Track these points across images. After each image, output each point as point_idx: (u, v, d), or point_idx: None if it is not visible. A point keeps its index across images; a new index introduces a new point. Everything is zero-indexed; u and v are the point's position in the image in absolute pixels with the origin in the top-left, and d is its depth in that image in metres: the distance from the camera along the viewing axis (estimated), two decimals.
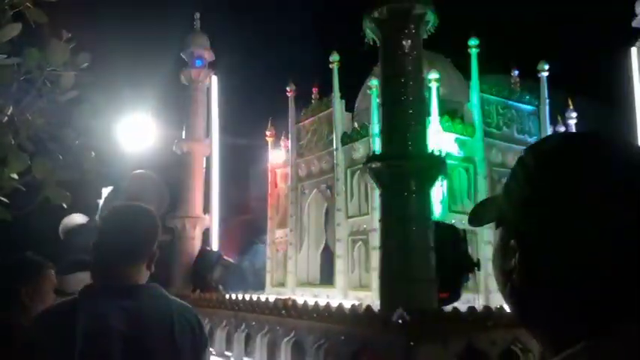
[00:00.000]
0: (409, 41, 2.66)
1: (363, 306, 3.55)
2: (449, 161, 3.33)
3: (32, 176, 2.59)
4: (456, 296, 3.06)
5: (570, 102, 4.85)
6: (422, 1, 2.83)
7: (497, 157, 3.56)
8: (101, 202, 7.57)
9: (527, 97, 4.08)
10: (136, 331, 1.46)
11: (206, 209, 5.71)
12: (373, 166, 2.83)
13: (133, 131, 4.34)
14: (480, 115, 3.57)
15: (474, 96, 3.66)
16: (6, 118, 2.50)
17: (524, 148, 0.76)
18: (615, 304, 0.64)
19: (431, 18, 2.75)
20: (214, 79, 4.98)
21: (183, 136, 5.83)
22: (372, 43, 2.98)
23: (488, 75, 7.82)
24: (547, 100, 3.93)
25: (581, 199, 0.65)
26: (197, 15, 5.33)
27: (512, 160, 3.61)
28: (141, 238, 1.62)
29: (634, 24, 4.63)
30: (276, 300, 4.22)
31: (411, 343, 2.89)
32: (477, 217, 0.77)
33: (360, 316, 3.12)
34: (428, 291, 3.15)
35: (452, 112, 3.55)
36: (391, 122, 2.64)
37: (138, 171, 6.57)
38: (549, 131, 3.82)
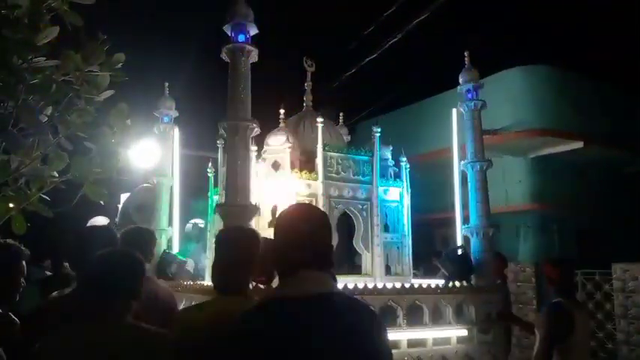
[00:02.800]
0: (240, 141, 4.59)
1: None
2: (299, 197, 5.23)
3: (71, 174, 2.71)
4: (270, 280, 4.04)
5: (403, 151, 6.28)
6: (249, 120, 4.59)
7: (334, 192, 5.38)
8: (120, 206, 7.98)
9: (363, 151, 5.79)
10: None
11: (170, 223, 7.11)
12: (217, 209, 4.83)
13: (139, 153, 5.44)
14: (322, 166, 5.29)
15: (319, 155, 5.30)
16: (46, 118, 2.61)
17: None
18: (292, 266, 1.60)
19: (255, 126, 4.65)
20: (177, 130, 6.32)
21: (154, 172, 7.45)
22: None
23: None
24: (378, 153, 5.64)
25: None
26: (166, 84, 6.62)
27: (346, 193, 5.58)
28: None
29: (458, 90, 5.91)
30: (186, 284, 5.83)
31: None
32: None
33: (204, 289, 4.63)
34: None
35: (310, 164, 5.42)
36: (228, 184, 4.62)
37: (144, 184, 7.09)
38: (378, 173, 5.65)
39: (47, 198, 2.61)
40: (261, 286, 2.94)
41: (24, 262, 2.54)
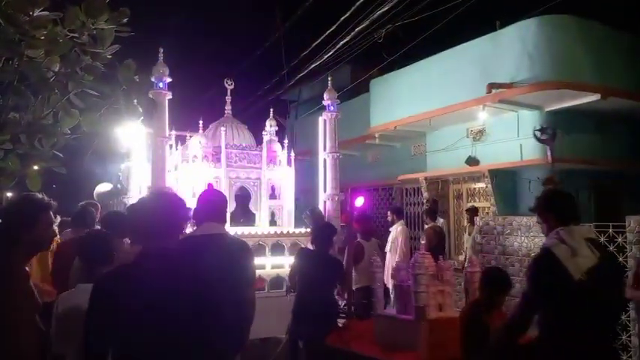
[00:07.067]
0: (158, 149, 6.75)
1: None
2: (209, 179, 7.22)
3: (82, 131, 2.70)
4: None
5: (288, 146, 8.36)
6: (164, 136, 6.76)
7: (234, 175, 7.48)
8: (120, 174, 8.93)
9: (255, 147, 7.88)
10: None
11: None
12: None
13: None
14: (224, 158, 7.40)
15: (222, 151, 7.33)
16: (52, 74, 2.59)
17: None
18: None
19: (169, 139, 6.98)
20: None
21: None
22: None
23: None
24: (264, 149, 7.78)
25: None
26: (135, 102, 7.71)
27: (242, 175, 7.68)
28: None
29: (323, 103, 8.29)
30: None
31: None
32: None
33: None
34: None
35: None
36: (152, 174, 6.82)
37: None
38: (265, 163, 7.83)
39: (60, 155, 2.62)
40: None
41: (51, 213, 2.57)
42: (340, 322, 5.17)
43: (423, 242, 6.29)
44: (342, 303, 6.07)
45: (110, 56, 2.68)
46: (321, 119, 8.50)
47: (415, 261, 4.06)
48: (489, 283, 3.63)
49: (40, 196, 2.57)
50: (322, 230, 5.09)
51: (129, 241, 3.72)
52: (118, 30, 2.60)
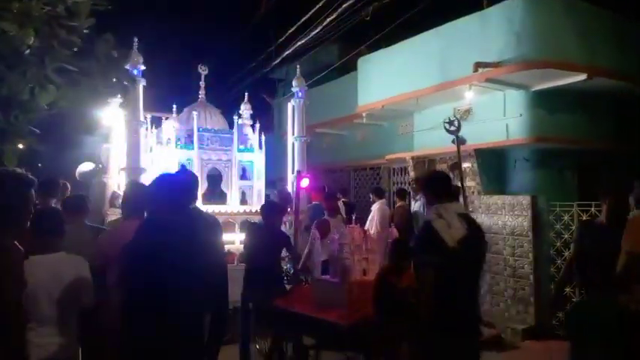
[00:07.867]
0: (134, 132, 7.26)
1: None
2: (182, 160, 7.72)
3: (60, 107, 2.66)
4: None
5: (259, 129, 8.66)
6: (139, 120, 7.34)
7: (205, 157, 7.87)
8: (102, 155, 9.14)
9: (226, 130, 8.36)
10: None
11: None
12: (121, 169, 7.57)
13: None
14: (197, 141, 7.83)
15: (195, 135, 7.71)
16: (28, 50, 2.53)
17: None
18: None
19: (143, 122, 7.56)
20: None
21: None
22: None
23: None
24: (236, 133, 8.15)
25: None
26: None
27: (213, 157, 8.08)
28: None
29: (292, 90, 8.85)
30: None
31: None
32: None
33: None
34: None
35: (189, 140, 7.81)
36: (127, 154, 7.30)
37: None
38: (236, 146, 8.26)
39: (37, 131, 2.58)
40: None
41: (33, 191, 2.54)
42: (288, 286, 5.78)
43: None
44: (291, 270, 6.59)
45: (87, 31, 2.63)
46: (289, 105, 8.91)
47: (342, 233, 4.67)
48: (395, 251, 4.27)
49: (23, 171, 2.53)
50: (269, 208, 5.90)
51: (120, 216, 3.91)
52: (95, 3, 2.55)
